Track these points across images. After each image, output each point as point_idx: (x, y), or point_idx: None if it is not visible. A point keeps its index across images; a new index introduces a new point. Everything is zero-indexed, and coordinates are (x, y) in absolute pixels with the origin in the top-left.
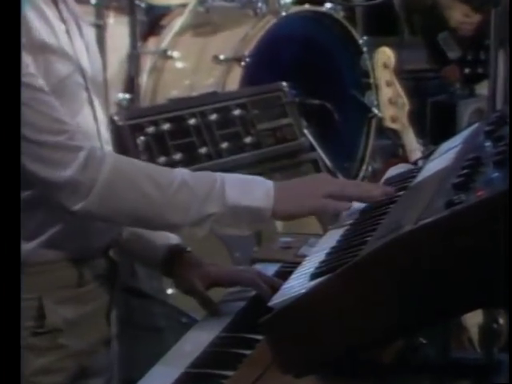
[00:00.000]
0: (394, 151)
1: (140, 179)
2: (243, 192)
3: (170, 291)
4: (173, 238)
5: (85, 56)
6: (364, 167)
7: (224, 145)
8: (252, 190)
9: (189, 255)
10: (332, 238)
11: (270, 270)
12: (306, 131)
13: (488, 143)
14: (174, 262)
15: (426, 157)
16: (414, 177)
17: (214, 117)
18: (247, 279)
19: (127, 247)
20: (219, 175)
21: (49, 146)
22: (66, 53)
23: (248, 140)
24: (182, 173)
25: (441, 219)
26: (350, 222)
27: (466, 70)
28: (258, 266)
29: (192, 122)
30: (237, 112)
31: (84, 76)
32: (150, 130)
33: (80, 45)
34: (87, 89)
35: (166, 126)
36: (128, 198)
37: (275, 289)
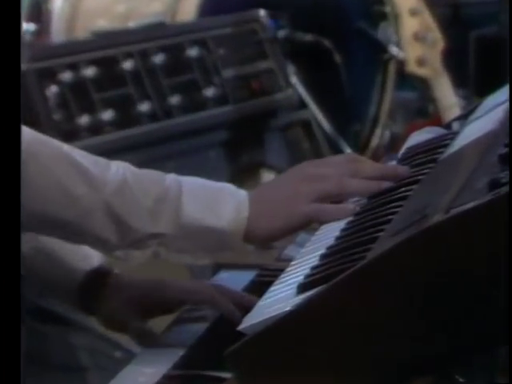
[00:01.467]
0: (422, 108)
1: (63, 171)
2: (205, 207)
3: None
4: (94, 256)
5: None
6: (378, 131)
7: (174, 99)
8: (217, 205)
9: (116, 278)
10: (329, 233)
11: (242, 279)
12: (294, 79)
13: None
14: (95, 291)
15: (465, 116)
16: (447, 145)
17: (159, 58)
18: (201, 296)
19: (31, 267)
20: (174, 180)
21: None
22: None
23: (209, 92)
24: (122, 168)
25: (482, 206)
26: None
27: None
28: (225, 275)
29: (128, 65)
30: (193, 52)
31: None
32: (66, 76)
33: None
34: None
35: (90, 72)
36: (44, 195)
37: (245, 308)
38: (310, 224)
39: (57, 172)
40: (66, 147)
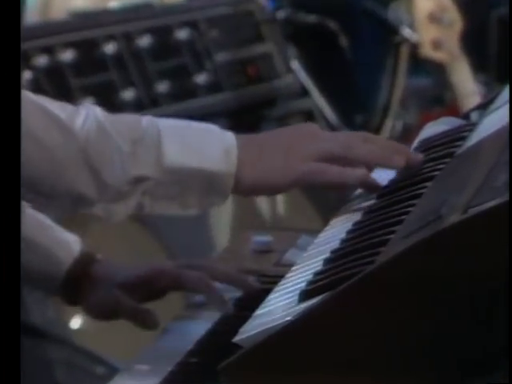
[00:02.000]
0: (437, 96)
1: (34, 120)
2: (189, 148)
3: (75, 324)
4: (74, 242)
5: None
6: (389, 122)
7: (162, 86)
8: (203, 146)
9: (99, 265)
10: (334, 235)
11: None
12: (294, 65)
13: None
14: (80, 281)
15: (484, 105)
16: (465, 138)
17: (145, 41)
18: (190, 280)
19: None
20: (151, 121)
21: None
22: None
23: (201, 79)
24: (92, 111)
25: (502, 205)
26: (362, 208)
27: None
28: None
29: (110, 48)
30: (183, 34)
31: None
32: (41, 60)
33: None
34: None
35: (68, 56)
36: None
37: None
38: (303, 184)
39: (29, 122)
40: (31, 94)
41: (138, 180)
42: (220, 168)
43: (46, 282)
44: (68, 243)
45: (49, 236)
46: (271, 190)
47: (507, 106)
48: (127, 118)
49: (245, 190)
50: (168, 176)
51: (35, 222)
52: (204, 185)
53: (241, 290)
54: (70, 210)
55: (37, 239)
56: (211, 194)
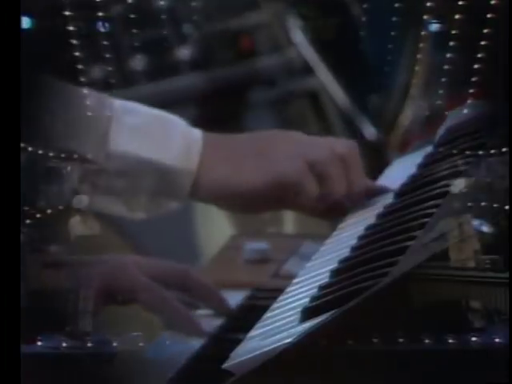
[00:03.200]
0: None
1: None
2: (143, 135)
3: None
4: None
5: None
6: (410, 105)
7: (136, 62)
8: (162, 135)
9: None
10: (343, 241)
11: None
12: (297, 37)
13: None
14: None
15: None
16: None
17: (116, 9)
18: (150, 300)
19: None
20: (104, 99)
21: None
22: None
23: (184, 53)
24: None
25: None
26: (376, 209)
27: None
28: None
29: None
30: (162, 0)
31: None
32: None
33: None
34: None
35: (24, 26)
36: None
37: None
38: (277, 188)
39: None
40: None
41: (75, 158)
42: (177, 163)
43: None
44: None
45: None
46: (233, 197)
47: None
48: (75, 91)
49: (203, 194)
50: (112, 163)
51: None
52: (156, 182)
53: (214, 310)
54: None
55: None
56: (164, 194)
